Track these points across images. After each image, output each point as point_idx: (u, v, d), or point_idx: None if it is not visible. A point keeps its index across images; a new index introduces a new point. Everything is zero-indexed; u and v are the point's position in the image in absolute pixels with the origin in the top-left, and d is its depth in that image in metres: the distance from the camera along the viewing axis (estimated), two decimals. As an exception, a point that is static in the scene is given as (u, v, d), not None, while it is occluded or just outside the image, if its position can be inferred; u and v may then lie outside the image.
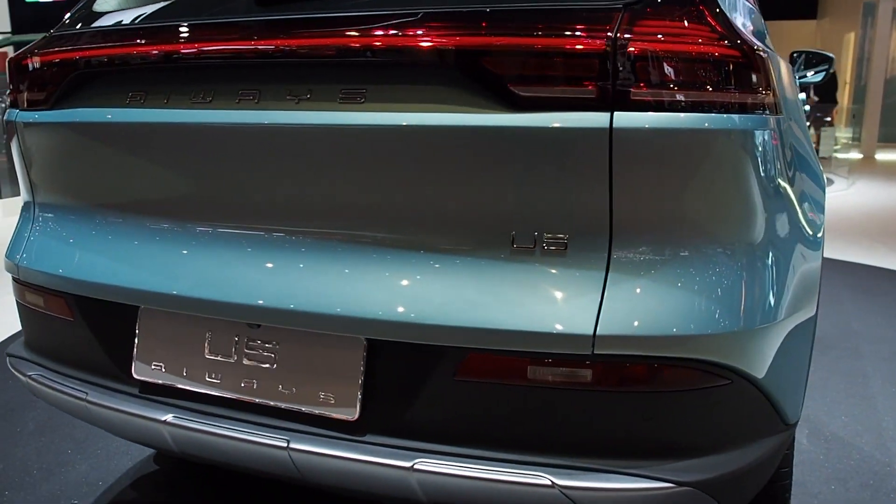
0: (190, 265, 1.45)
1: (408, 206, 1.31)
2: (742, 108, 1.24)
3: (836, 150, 11.15)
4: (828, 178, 10.02)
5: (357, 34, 1.29)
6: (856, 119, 11.57)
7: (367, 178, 1.32)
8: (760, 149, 1.27)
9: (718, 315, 1.23)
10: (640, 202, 1.23)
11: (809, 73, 3.30)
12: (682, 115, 1.20)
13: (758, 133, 1.26)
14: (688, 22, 1.25)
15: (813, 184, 1.72)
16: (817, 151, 11.29)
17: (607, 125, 1.18)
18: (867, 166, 11.60)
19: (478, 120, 1.23)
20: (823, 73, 3.23)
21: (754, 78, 1.26)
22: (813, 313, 1.55)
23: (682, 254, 1.25)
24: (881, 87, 13.12)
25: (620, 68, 1.19)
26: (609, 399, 1.24)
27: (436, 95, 1.26)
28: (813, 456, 2.48)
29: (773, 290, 1.32)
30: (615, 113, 1.19)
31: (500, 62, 1.22)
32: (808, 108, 3.87)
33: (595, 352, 1.21)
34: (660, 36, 1.21)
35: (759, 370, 1.29)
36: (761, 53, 1.29)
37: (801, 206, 1.50)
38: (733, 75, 1.23)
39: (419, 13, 1.30)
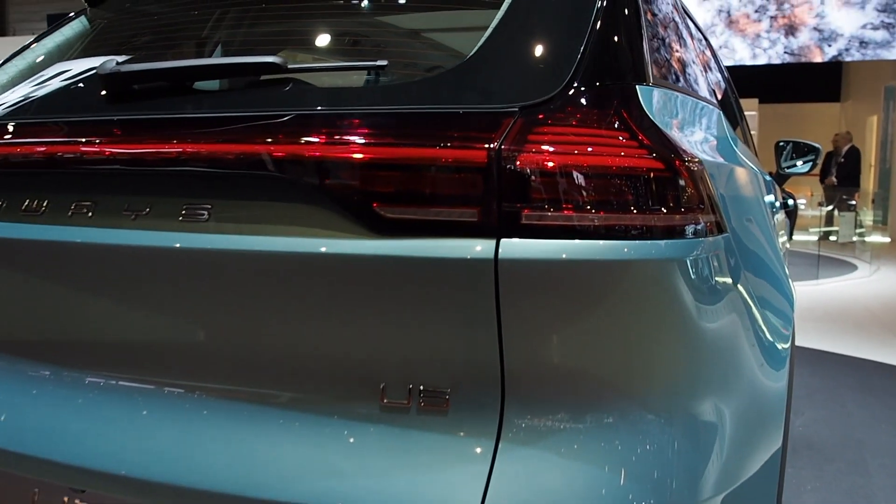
0: (11, 412, 1.25)
1: (258, 350, 1.11)
2: (668, 232, 1.02)
3: (859, 234, 10.83)
4: (849, 264, 9.69)
5: (200, 139, 1.12)
6: (876, 203, 11.30)
7: (211, 313, 1.13)
8: (694, 279, 1.04)
9: (640, 496, 1.00)
10: (537, 351, 1.01)
11: (799, 163, 3.13)
12: (588, 242, 0.99)
13: (689, 261, 1.03)
14: (598, 128, 1.06)
15: (776, 297, 1.49)
16: (836, 236, 10.98)
17: (492, 255, 0.98)
18: (894, 251, 11.25)
19: (338, 246, 1.03)
20: (811, 163, 3.06)
21: (684, 193, 1.05)
22: (778, 446, 1.32)
23: (594, 417, 1.02)
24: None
25: (508, 186, 1.00)
26: None
27: (290, 215, 1.07)
28: None
29: (716, 453, 1.09)
30: (502, 240, 0.99)
31: (362, 177, 1.04)
32: (796, 201, 3.68)
33: None
34: (560, 146, 1.02)
35: None
36: (693, 164, 1.08)
37: (756, 332, 1.27)
38: (655, 192, 1.03)
39: (275, 116, 1.12)
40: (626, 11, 1.25)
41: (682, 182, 1.05)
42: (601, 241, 0.99)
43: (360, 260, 1.03)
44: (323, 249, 1.04)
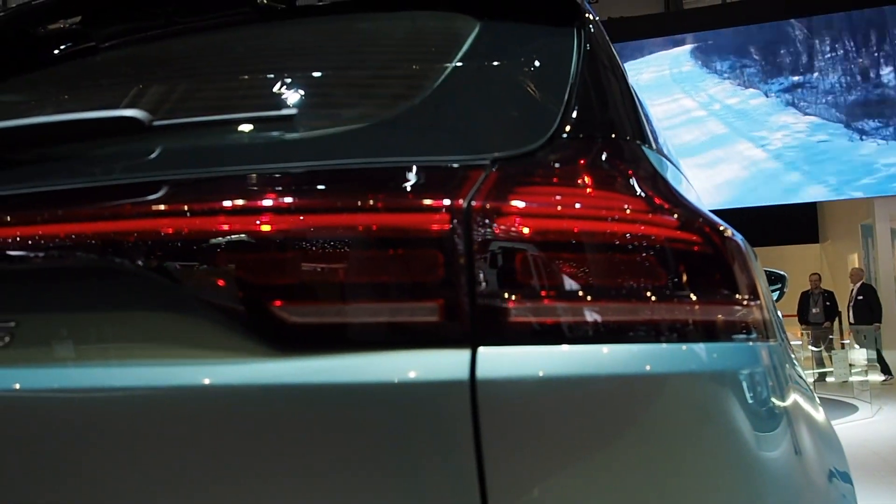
0: None
1: None
2: (709, 333, 0.75)
3: (855, 373, 10.42)
4: (850, 405, 9.25)
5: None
6: (867, 339, 10.98)
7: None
8: (747, 408, 0.75)
9: None
10: None
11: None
12: (600, 348, 0.71)
13: (742, 375, 0.76)
14: (601, 186, 0.80)
15: (826, 443, 1.13)
16: (832, 376, 10.57)
17: (466, 375, 0.67)
18: (893, 389, 10.82)
19: (214, 374, 0.71)
20: (778, 292, 2.83)
21: (728, 279, 0.78)
22: None
23: None
24: (894, 306, 12.68)
25: (485, 265, 0.70)
26: None
27: (141, 330, 0.76)
28: None
29: None
30: (480, 350, 0.69)
31: (252, 263, 0.72)
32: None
33: None
34: (557, 207, 0.75)
35: None
36: (733, 238, 0.82)
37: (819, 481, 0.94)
38: (690, 276, 0.75)
39: (115, 187, 0.84)
40: (612, 67, 1.04)
41: (724, 263, 0.79)
42: (614, 347, 0.72)
43: (250, 393, 0.69)
44: (189, 380, 0.71)
